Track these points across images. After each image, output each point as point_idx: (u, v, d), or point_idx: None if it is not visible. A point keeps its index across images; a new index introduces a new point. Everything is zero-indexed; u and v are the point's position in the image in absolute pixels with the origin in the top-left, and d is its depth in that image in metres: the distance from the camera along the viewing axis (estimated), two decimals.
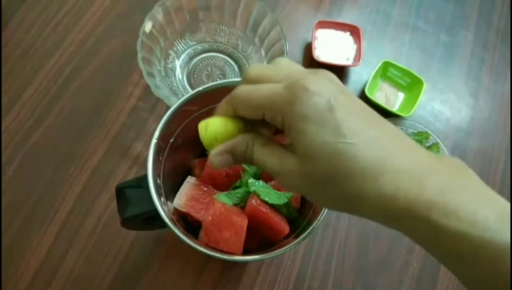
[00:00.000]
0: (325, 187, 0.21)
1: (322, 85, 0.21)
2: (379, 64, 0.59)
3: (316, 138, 0.20)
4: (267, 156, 0.24)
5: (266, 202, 0.38)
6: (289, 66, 0.24)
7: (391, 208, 0.20)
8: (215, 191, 0.40)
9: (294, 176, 0.22)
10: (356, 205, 0.21)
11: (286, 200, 0.38)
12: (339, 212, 0.51)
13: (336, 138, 0.20)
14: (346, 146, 0.20)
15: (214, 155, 0.24)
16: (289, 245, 0.33)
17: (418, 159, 0.21)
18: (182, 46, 0.58)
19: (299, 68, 0.24)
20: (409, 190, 0.20)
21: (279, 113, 0.22)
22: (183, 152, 0.42)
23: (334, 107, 0.20)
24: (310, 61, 0.61)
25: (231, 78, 0.57)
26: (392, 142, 0.21)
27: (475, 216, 0.19)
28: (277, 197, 0.38)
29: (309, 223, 0.36)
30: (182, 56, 0.58)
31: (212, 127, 0.24)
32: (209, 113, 0.41)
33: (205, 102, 0.40)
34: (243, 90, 0.23)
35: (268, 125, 0.25)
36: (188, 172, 0.43)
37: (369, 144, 0.20)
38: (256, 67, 0.24)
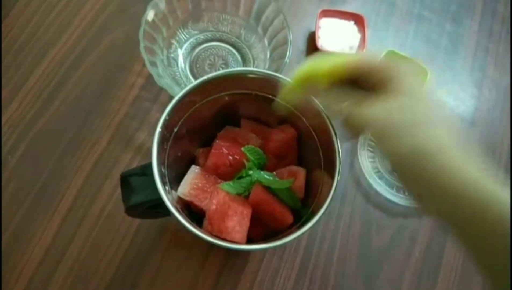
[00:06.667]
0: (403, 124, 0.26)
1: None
2: (383, 54, 0.58)
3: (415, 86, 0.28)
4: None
5: (269, 190, 0.38)
6: None
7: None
8: (219, 180, 0.40)
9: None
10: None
11: (288, 184, 0.38)
12: (342, 203, 0.51)
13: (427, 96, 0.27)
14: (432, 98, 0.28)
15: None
16: (293, 235, 0.33)
17: None
18: (185, 36, 0.57)
19: None
20: None
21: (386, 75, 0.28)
22: (187, 142, 0.42)
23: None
24: (313, 50, 0.60)
25: (233, 67, 0.57)
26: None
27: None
28: (279, 183, 0.38)
29: (313, 214, 0.36)
30: (185, 46, 0.57)
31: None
32: (213, 103, 0.41)
33: (208, 92, 0.40)
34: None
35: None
36: (192, 161, 0.43)
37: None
38: None
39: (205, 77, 0.38)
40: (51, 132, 0.52)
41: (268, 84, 0.40)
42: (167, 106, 0.36)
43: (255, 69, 0.43)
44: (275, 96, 0.41)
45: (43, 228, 0.47)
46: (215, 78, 0.38)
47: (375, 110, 0.27)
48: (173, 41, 0.56)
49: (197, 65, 0.57)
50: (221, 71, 0.39)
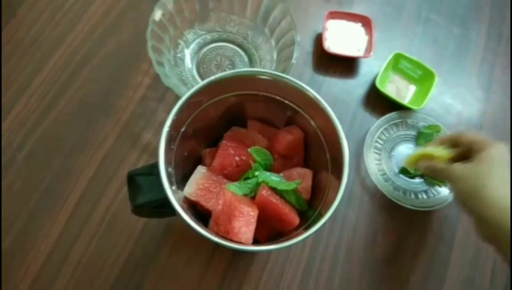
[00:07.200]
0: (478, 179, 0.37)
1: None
2: (391, 56, 0.58)
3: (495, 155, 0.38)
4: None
5: (276, 192, 0.38)
6: None
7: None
8: (226, 181, 0.40)
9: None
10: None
11: (295, 186, 0.38)
12: (347, 205, 0.51)
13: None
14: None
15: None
16: (300, 237, 0.33)
17: None
18: (192, 36, 0.57)
19: None
20: None
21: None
22: (194, 142, 0.42)
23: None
24: (320, 52, 0.60)
25: (240, 68, 0.57)
26: None
27: None
28: (286, 185, 0.38)
29: (320, 215, 0.36)
30: (192, 46, 0.57)
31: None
32: (220, 103, 0.41)
33: (216, 92, 0.40)
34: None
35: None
36: (199, 161, 0.43)
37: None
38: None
39: (212, 77, 0.38)
40: (58, 130, 0.52)
41: (275, 85, 0.40)
42: (173, 106, 0.36)
43: (262, 70, 0.42)
44: (282, 97, 0.41)
45: (49, 225, 0.47)
46: (223, 79, 0.38)
47: (459, 170, 0.39)
48: (180, 41, 0.56)
49: (204, 66, 0.57)
50: (229, 72, 0.39)
